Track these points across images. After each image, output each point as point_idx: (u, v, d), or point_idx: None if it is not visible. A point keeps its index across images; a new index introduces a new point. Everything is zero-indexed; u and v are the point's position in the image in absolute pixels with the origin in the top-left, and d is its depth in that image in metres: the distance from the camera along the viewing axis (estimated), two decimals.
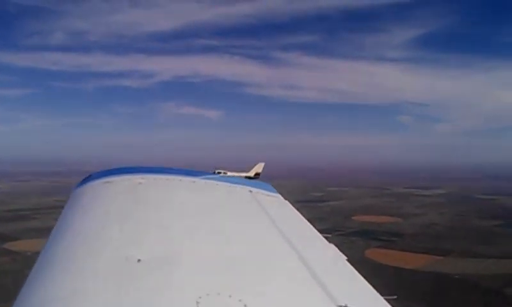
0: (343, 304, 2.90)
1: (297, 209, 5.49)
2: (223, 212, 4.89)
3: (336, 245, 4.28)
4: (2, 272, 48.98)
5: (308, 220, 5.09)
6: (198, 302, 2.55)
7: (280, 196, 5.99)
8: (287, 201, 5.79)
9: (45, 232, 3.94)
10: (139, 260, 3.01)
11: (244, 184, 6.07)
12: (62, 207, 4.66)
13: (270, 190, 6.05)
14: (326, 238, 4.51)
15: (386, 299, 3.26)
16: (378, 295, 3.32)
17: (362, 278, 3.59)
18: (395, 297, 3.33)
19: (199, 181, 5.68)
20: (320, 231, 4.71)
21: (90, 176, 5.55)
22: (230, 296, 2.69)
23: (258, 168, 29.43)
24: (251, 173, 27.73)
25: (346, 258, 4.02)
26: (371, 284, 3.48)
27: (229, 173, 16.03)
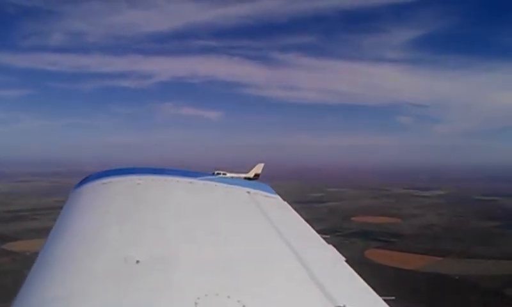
0: (341, 305, 2.91)
1: (297, 210, 5.49)
2: (221, 212, 4.91)
3: (335, 246, 4.28)
4: (2, 272, 48.96)
5: (308, 221, 5.09)
6: (196, 303, 2.56)
7: (278, 196, 5.99)
8: (285, 202, 5.80)
9: (44, 232, 3.95)
10: (137, 261, 3.02)
11: (242, 185, 6.09)
12: (62, 208, 4.66)
13: (268, 191, 6.06)
14: (325, 238, 4.51)
15: (385, 300, 3.27)
16: (377, 295, 3.33)
17: (361, 279, 3.60)
18: (394, 297, 3.33)
19: (197, 182, 5.70)
20: (320, 232, 4.71)
21: (88, 176, 5.56)
22: (228, 297, 2.70)
23: (258, 169, 29.42)
24: (251, 174, 27.77)
25: (345, 258, 4.02)
26: (371, 284, 3.48)
27: (228, 174, 16.08)
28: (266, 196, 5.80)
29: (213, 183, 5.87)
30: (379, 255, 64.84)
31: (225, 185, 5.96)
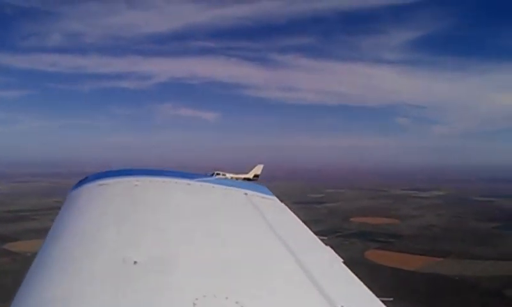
0: (339, 306, 2.92)
1: (296, 210, 5.51)
2: (218, 214, 4.92)
3: (334, 247, 4.29)
4: (2, 272, 48.89)
5: (307, 221, 5.10)
6: (194, 304, 2.56)
7: (275, 198, 6.00)
8: (282, 204, 5.82)
9: (44, 233, 3.96)
10: (135, 262, 3.02)
11: (239, 186, 6.10)
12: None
13: (265, 193, 6.07)
14: (322, 240, 4.52)
15: (383, 301, 3.28)
16: (374, 296, 3.34)
17: (358, 280, 3.61)
18: (392, 298, 3.34)
19: (194, 183, 5.72)
20: (319, 233, 4.73)
21: (86, 178, 5.56)
22: (226, 298, 2.70)
23: (257, 170, 29.37)
24: (250, 175, 27.74)
25: (342, 260, 4.03)
26: (371, 285, 3.48)
27: (228, 175, 16.06)
28: (263, 198, 5.82)
29: (210, 184, 5.89)
30: (378, 256, 64.89)
31: (223, 186, 5.98)
